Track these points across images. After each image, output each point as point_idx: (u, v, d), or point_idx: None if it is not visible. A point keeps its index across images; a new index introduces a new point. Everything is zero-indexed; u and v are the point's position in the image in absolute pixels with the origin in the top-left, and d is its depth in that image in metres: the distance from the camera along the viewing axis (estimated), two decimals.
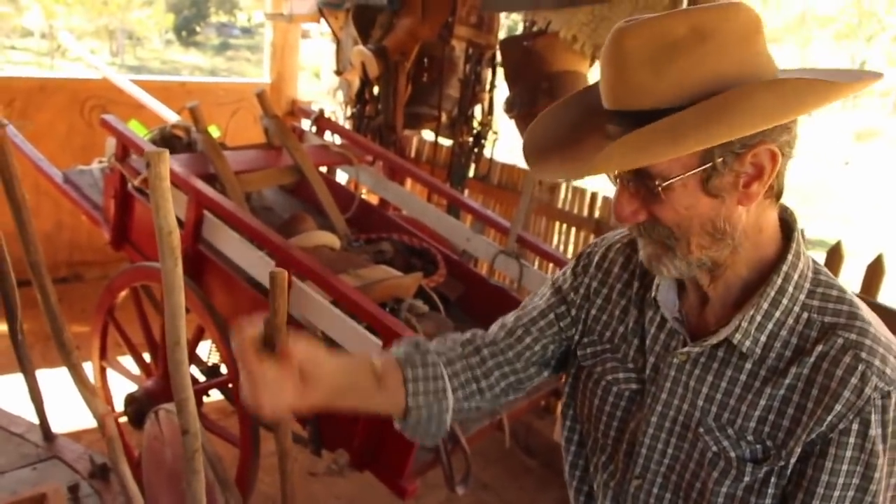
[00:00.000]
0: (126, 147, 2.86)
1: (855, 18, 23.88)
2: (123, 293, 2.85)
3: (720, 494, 1.09)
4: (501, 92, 3.69)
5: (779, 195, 1.06)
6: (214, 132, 3.79)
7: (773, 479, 1.06)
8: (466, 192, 4.24)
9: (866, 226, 10.78)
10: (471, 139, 4.16)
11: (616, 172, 1.03)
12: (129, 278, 2.80)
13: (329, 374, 1.14)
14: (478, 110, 4.16)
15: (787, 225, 1.10)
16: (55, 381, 2.41)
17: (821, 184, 12.81)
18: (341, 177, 3.90)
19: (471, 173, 4.26)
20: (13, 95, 4.66)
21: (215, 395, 2.92)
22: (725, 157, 0.97)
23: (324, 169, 3.54)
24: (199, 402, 2.84)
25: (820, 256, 1.73)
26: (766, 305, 1.06)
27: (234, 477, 2.56)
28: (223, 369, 2.84)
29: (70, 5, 28.59)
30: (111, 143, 2.95)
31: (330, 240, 2.85)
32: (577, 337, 1.29)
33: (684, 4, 2.84)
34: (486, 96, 4.13)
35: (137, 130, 3.36)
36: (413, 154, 4.65)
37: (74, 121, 4.83)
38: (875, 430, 1.00)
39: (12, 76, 6.46)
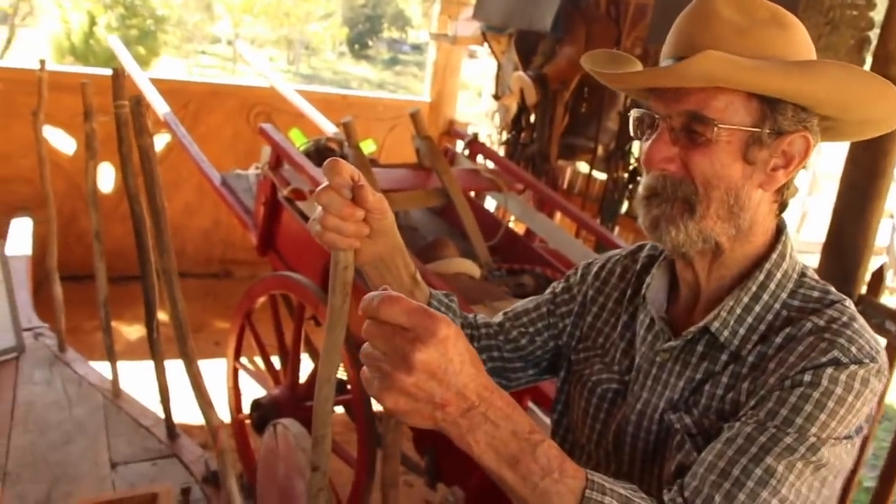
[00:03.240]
0: (280, 157, 2.91)
1: None
2: (262, 299, 2.89)
3: (674, 462, 1.08)
4: None
5: (783, 207, 1.11)
6: (371, 146, 3.84)
7: None
8: (617, 229, 4.09)
9: None
10: (626, 174, 4.00)
11: (665, 113, 1.05)
12: (270, 286, 2.84)
13: (385, 236, 1.11)
14: (636, 145, 4.00)
15: (778, 231, 1.13)
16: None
17: None
18: (490, 203, 3.84)
19: (623, 210, 4.10)
20: (189, 98, 4.90)
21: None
22: (773, 130, 1.02)
23: (472, 193, 3.50)
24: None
25: None
26: (746, 299, 1.08)
27: (347, 497, 2.54)
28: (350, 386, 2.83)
29: (256, 16, 30.38)
30: (266, 151, 3.02)
31: (470, 268, 2.79)
32: (572, 343, 1.32)
33: (871, 48, 2.62)
34: None
35: (297, 139, 3.44)
36: (566, 185, 4.54)
37: (240, 126, 5.04)
38: (825, 383, 0.97)
39: (189, 81, 6.88)
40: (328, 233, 1.01)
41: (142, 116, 1.47)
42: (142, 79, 3.90)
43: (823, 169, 9.65)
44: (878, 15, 2.72)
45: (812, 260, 2.84)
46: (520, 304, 1.39)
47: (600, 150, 3.98)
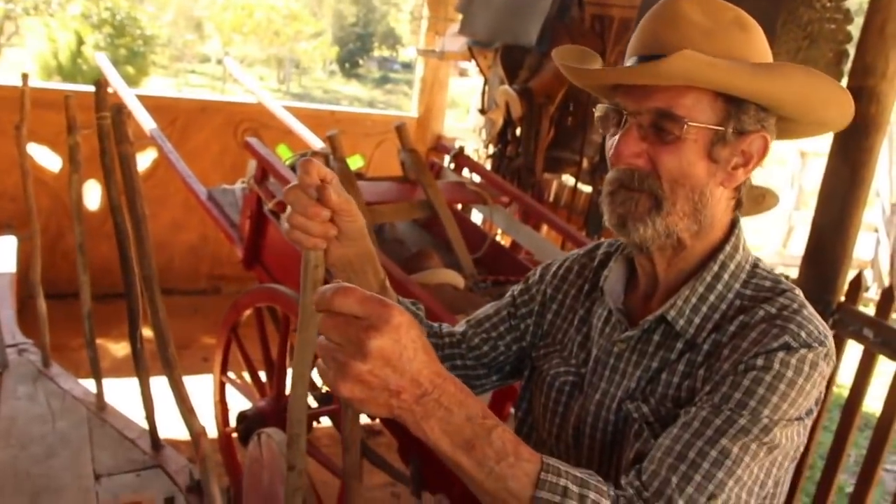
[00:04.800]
0: (265, 170, 2.92)
1: None
2: (248, 311, 2.89)
3: (633, 451, 1.11)
4: None
5: (739, 203, 1.15)
6: (359, 162, 3.86)
7: None
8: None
9: None
10: None
11: (634, 109, 1.06)
12: (256, 298, 2.84)
13: (354, 240, 1.11)
14: None
15: (732, 224, 1.16)
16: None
17: None
18: (477, 216, 3.86)
19: None
20: (176, 115, 4.92)
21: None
22: (736, 129, 1.06)
23: (459, 206, 3.51)
24: (309, 428, 2.84)
25: None
26: (701, 289, 1.12)
27: None
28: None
29: (245, 35, 30.50)
30: (252, 165, 3.03)
31: (454, 279, 2.80)
32: (535, 342, 1.34)
33: (849, 62, 2.66)
34: None
35: (285, 154, 3.46)
36: (552, 198, 4.56)
37: (228, 141, 5.05)
38: (777, 367, 1.00)
39: (177, 97, 6.89)
40: (295, 231, 1.03)
41: (123, 124, 1.48)
42: (128, 95, 3.91)
43: (810, 184, 9.70)
44: (855, 28, 2.76)
45: (796, 273, 2.87)
46: (481, 310, 1.40)
47: (585, 163, 4.00)
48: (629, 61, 1.10)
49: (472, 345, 1.35)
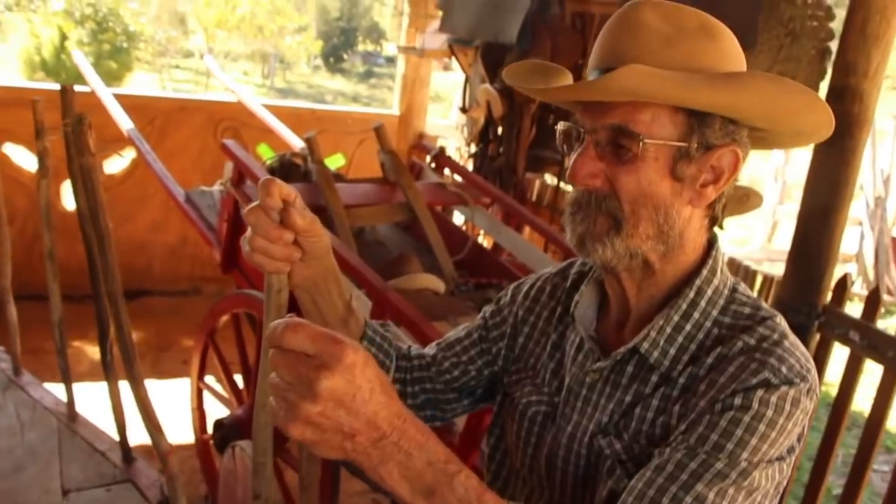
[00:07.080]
0: (242, 173, 2.87)
1: None
2: (225, 317, 2.85)
3: (605, 489, 1.05)
4: None
5: (713, 221, 1.08)
6: (340, 161, 3.81)
7: None
8: None
9: None
10: None
11: (591, 127, 1.01)
12: (232, 304, 2.80)
13: (318, 259, 1.06)
14: None
15: (709, 245, 1.09)
16: (164, 391, 2.41)
17: None
18: (459, 217, 3.82)
19: None
20: (155, 114, 4.85)
21: None
22: (700, 143, 0.99)
23: (439, 207, 3.47)
24: (289, 438, 2.80)
25: None
26: (676, 317, 1.05)
27: None
28: None
29: (229, 30, 30.33)
30: (229, 167, 2.98)
31: (434, 283, 2.76)
32: (507, 366, 1.27)
33: (832, 59, 2.63)
34: None
35: (265, 154, 3.41)
36: (534, 198, 4.53)
37: (208, 141, 4.99)
38: (755, 406, 0.94)
39: (156, 96, 6.81)
40: (256, 254, 0.98)
41: (83, 135, 1.43)
42: (105, 94, 3.85)
43: (793, 178, 9.71)
44: (837, 25, 2.74)
45: (782, 268, 2.85)
46: (452, 332, 1.34)
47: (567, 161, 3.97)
48: (590, 75, 1.03)
49: (443, 368, 1.29)
